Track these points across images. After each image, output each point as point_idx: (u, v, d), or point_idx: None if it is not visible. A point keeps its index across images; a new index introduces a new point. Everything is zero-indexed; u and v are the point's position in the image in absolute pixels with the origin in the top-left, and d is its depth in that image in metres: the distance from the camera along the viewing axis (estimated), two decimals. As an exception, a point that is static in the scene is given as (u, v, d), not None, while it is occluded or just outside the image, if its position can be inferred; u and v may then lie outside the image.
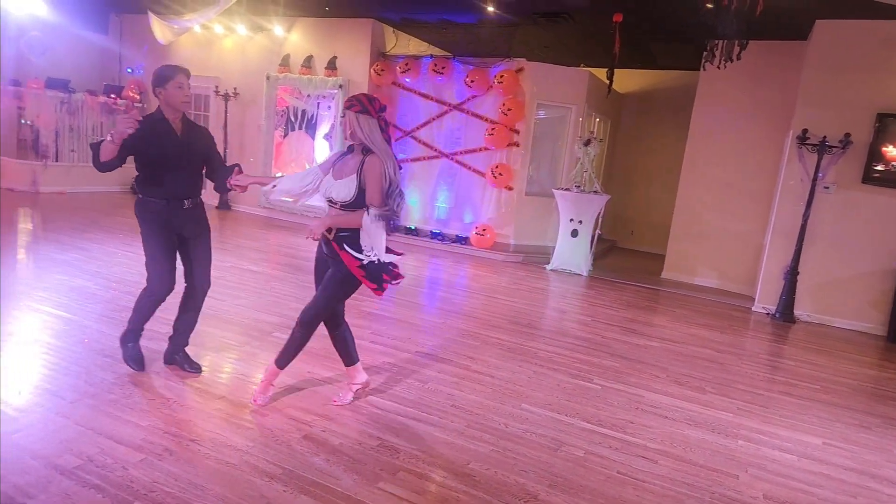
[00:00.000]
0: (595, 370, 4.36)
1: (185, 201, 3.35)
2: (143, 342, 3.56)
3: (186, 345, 3.60)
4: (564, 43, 8.85)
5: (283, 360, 3.19)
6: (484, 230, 8.44)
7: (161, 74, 3.32)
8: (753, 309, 6.93)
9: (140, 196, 3.35)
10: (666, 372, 4.50)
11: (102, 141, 3.07)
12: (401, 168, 3.11)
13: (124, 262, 5.87)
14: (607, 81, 7.01)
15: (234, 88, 9.97)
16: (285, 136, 9.80)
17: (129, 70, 11.09)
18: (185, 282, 3.52)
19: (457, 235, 8.78)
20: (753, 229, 7.63)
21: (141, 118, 3.11)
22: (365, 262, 3.02)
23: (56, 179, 9.65)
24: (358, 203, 2.97)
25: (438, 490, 2.62)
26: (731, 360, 5.02)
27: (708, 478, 2.99)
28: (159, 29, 9.20)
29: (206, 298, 3.59)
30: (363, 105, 2.94)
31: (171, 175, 3.28)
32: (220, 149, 10.33)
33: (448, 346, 4.51)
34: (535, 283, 7.19)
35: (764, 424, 3.72)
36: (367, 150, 2.97)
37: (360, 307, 5.32)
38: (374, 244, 3.01)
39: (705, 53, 5.38)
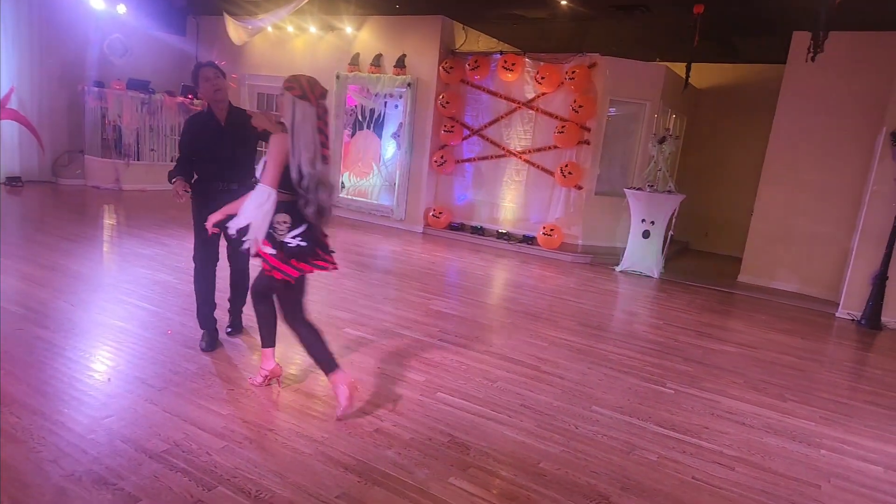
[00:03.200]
0: (668, 374, 4.22)
1: (220, 184, 3.58)
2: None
3: (240, 327, 4.07)
4: (639, 37, 8.60)
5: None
6: (551, 230, 8.33)
7: (193, 72, 3.58)
8: (837, 315, 6.55)
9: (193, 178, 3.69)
10: (743, 378, 4.32)
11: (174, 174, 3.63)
12: (324, 162, 2.93)
13: (204, 256, 6.14)
14: (684, 76, 6.75)
15: (306, 88, 10.23)
16: (353, 135, 9.98)
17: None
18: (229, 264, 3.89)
19: (523, 235, 8.70)
20: (839, 232, 7.20)
21: (188, 187, 3.58)
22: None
23: (137, 177, 10.16)
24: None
25: (509, 488, 2.60)
26: (812, 366, 4.77)
27: (788, 487, 2.86)
28: (234, 30, 9.57)
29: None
30: (303, 90, 2.84)
31: (211, 162, 3.59)
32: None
33: (516, 346, 4.47)
34: (605, 285, 7.03)
35: (848, 434, 3.53)
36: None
37: (427, 305, 5.37)
38: (247, 217, 2.84)
39: (810, 44, 5.05)
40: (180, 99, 10.86)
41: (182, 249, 6.40)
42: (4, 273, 4.97)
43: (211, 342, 3.78)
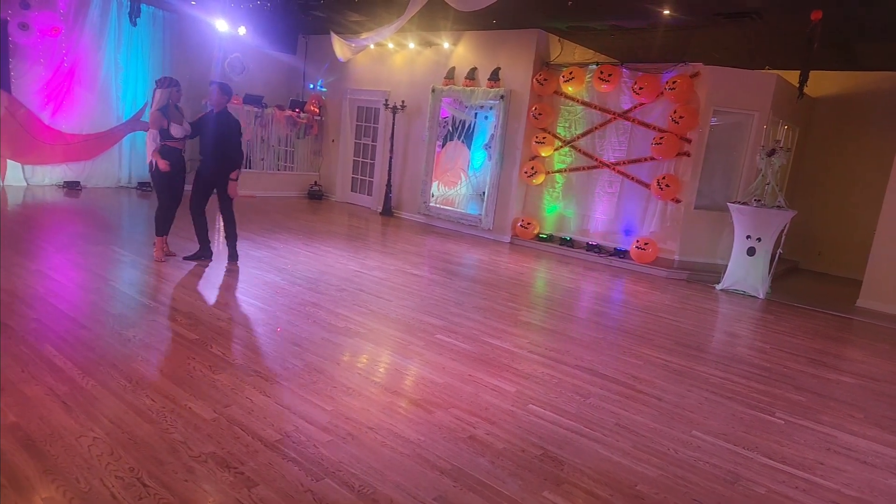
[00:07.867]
0: (777, 403, 3.96)
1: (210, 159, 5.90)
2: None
3: (234, 253, 6.10)
4: (747, 45, 8.17)
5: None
6: (646, 244, 8.06)
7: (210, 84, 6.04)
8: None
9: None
10: (864, 412, 3.97)
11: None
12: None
13: (305, 262, 6.49)
14: (798, 85, 6.35)
15: (402, 101, 10.58)
16: (443, 145, 10.17)
17: (311, 86, 12.26)
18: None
19: (615, 248, 8.48)
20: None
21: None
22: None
23: (248, 185, 10.86)
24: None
25: (605, 509, 2.55)
26: (948, 406, 4.30)
27: (924, 540, 2.60)
28: (339, 47, 10.08)
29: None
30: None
31: (208, 143, 5.94)
32: (385, 158, 11.06)
33: (609, 363, 4.37)
34: (703, 304, 6.71)
35: None
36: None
37: (516, 316, 5.36)
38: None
39: None
40: (289, 112, 11.55)
41: (287, 252, 6.80)
42: (136, 268, 5.52)
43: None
